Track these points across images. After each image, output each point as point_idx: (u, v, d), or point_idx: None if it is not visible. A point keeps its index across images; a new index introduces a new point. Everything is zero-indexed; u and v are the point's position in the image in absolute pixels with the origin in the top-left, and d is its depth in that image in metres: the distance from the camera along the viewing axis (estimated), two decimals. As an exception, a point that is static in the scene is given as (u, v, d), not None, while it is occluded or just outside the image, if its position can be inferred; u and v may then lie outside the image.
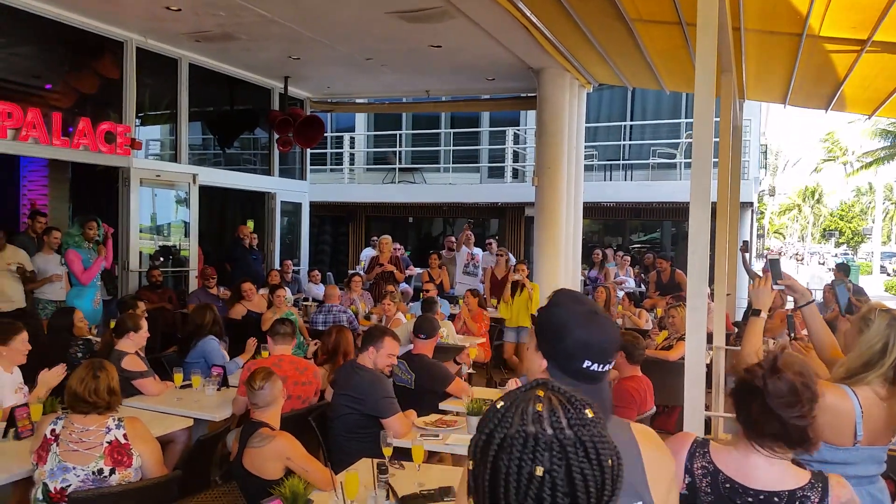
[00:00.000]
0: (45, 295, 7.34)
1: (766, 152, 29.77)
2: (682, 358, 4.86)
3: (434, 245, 14.74)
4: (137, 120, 9.05)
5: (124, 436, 3.10)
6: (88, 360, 3.41)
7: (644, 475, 1.46)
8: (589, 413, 1.06)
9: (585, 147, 10.89)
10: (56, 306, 7.02)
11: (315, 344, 5.54)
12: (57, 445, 3.01)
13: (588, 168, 12.32)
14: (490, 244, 11.08)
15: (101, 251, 7.43)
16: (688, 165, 13.62)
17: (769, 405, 1.82)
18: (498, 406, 1.08)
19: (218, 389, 4.78)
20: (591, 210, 12.05)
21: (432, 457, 3.53)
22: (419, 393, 4.64)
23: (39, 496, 3.00)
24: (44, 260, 7.35)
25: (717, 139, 4.70)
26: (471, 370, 5.37)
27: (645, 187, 13.67)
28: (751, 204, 14.31)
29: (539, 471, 1.00)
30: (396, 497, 2.96)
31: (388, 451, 3.35)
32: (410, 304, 9.30)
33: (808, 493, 1.82)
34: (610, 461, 1.04)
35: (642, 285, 11.26)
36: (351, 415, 4.00)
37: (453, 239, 11.21)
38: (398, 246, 11.34)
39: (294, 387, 4.37)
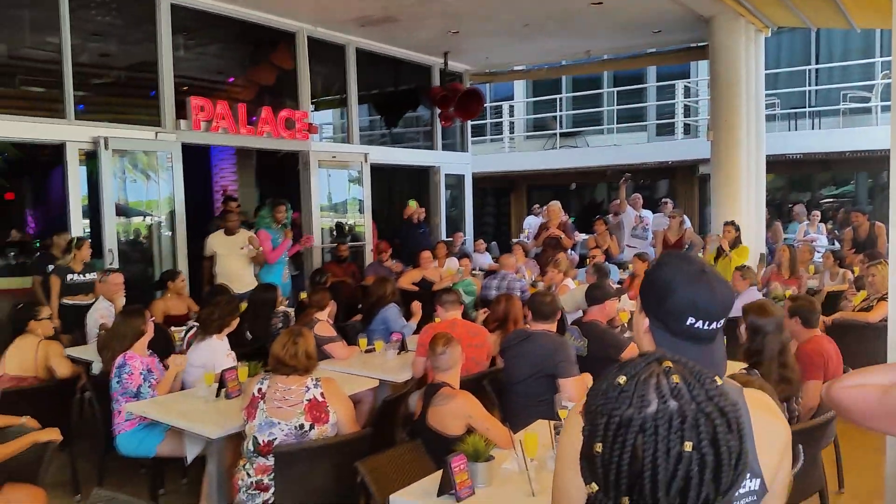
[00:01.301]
0: None
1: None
2: (883, 320, 4.44)
3: (598, 211, 14.41)
4: (311, 106, 9.62)
5: (321, 394, 3.37)
6: (289, 327, 3.73)
7: (752, 442, 1.36)
8: (718, 381, 1.02)
9: (766, 96, 10.08)
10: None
11: (484, 312, 5.66)
12: (264, 403, 3.33)
13: (770, 118, 11.37)
14: (665, 204, 10.56)
15: (288, 234, 8.01)
16: (886, 109, 12.20)
17: None
18: (620, 382, 1.02)
19: (398, 353, 5.05)
20: (774, 164, 11.13)
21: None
22: (592, 359, 4.59)
23: (251, 447, 3.34)
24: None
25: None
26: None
27: (835, 136, 12.41)
28: (963, 147, 12.54)
29: (688, 447, 0.96)
30: (576, 458, 2.96)
31: (563, 414, 3.36)
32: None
33: None
34: (743, 428, 1.01)
35: (835, 243, 10.30)
36: (526, 380, 4.06)
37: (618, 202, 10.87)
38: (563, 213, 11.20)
39: (468, 349, 4.48)
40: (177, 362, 4.27)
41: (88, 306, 6.10)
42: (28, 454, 3.29)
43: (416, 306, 6.01)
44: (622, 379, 1.03)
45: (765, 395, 1.48)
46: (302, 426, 3.30)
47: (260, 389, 3.37)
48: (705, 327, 1.43)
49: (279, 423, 3.29)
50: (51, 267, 6.47)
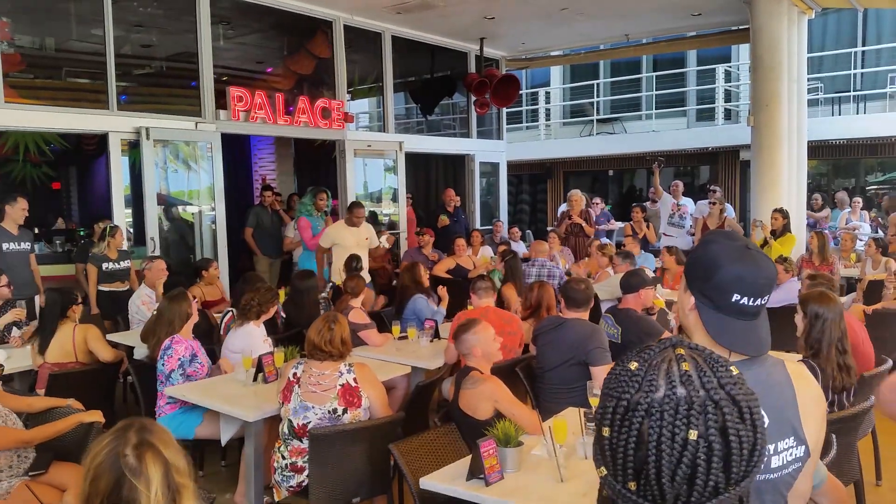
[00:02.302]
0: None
1: None
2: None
3: (637, 199, 14.22)
4: (348, 95, 9.67)
5: (354, 380, 3.43)
6: (325, 313, 3.79)
7: (798, 412, 1.46)
8: (734, 370, 1.02)
9: (809, 79, 9.82)
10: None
11: (517, 301, 5.66)
12: (299, 387, 3.41)
13: (812, 103, 11.11)
14: (715, 192, 10.31)
15: (329, 221, 8.10)
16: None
17: None
18: (631, 367, 1.02)
19: (431, 341, 5.09)
20: (817, 149, 10.85)
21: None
22: (627, 347, 4.56)
23: (286, 430, 3.42)
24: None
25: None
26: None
27: (882, 120, 12.04)
28: None
29: (693, 435, 0.95)
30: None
31: (595, 402, 3.36)
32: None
33: None
34: (760, 419, 1.00)
35: (879, 231, 10.01)
36: (558, 368, 4.07)
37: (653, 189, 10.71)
38: (597, 200, 11.09)
39: (500, 336, 4.50)
40: (225, 368, 4.41)
41: (124, 293, 6.26)
42: (74, 435, 3.41)
43: (442, 291, 6.04)
44: (634, 364, 1.03)
45: (804, 368, 1.57)
46: (335, 410, 3.36)
47: (295, 374, 3.44)
48: (750, 303, 1.46)
49: (313, 407, 3.36)
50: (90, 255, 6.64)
